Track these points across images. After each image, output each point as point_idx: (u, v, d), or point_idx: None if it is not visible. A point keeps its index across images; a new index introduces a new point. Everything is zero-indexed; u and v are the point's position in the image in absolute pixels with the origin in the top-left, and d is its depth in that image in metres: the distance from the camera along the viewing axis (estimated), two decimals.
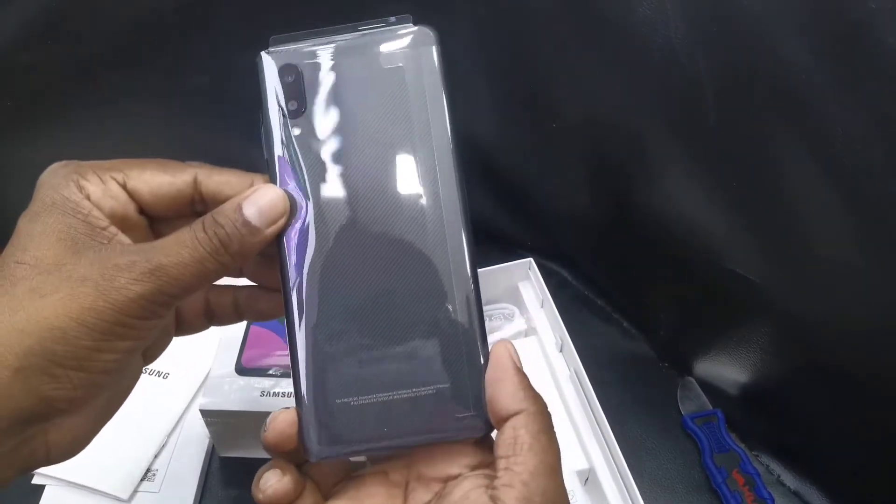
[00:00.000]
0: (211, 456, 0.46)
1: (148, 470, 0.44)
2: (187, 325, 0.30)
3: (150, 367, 0.48)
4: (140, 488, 0.43)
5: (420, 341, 0.26)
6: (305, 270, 0.26)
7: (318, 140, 0.27)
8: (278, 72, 0.27)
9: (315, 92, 0.27)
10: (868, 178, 0.33)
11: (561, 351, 0.46)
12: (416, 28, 0.28)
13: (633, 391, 0.50)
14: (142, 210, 0.27)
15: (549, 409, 0.45)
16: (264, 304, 0.30)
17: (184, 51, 0.46)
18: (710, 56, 0.36)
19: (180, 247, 0.25)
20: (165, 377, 0.48)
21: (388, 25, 0.28)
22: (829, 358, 0.40)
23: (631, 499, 0.39)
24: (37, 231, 0.24)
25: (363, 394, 0.26)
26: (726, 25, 0.35)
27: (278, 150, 0.27)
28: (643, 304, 0.53)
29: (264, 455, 0.46)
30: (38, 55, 0.42)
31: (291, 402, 0.44)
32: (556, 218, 0.54)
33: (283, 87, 0.27)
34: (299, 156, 0.27)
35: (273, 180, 0.27)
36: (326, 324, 0.26)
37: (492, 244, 0.59)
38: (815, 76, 0.33)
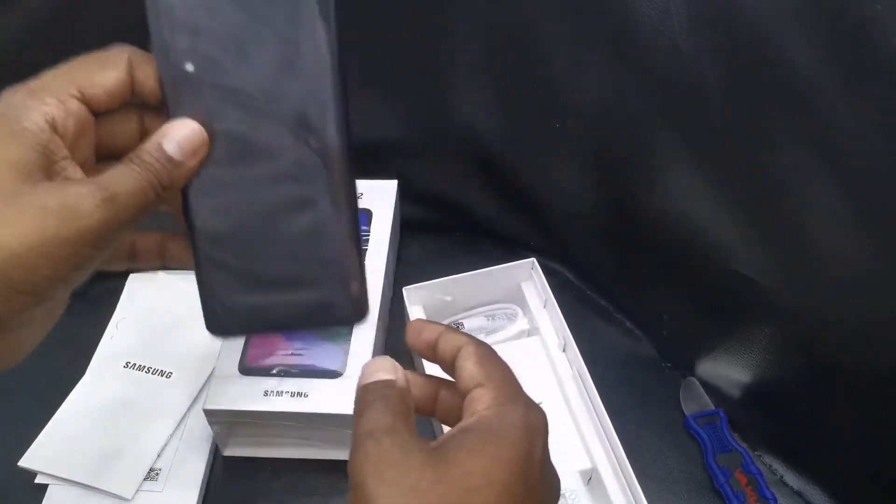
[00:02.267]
0: (214, 455, 0.46)
1: (151, 469, 0.44)
2: (111, 261, 0.32)
3: (153, 366, 0.48)
4: (143, 487, 0.43)
5: (301, 244, 0.30)
6: (198, 184, 0.29)
7: (205, 68, 0.29)
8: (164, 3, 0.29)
9: (198, 23, 0.29)
10: (872, 177, 0.33)
11: (564, 351, 0.46)
12: None
13: (635, 391, 0.50)
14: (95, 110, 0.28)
15: (552, 409, 0.45)
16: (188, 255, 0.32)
17: None
18: (714, 56, 0.36)
19: (125, 178, 0.27)
20: (168, 377, 0.48)
21: None
22: (832, 358, 0.40)
23: (634, 499, 0.39)
24: None
25: (255, 291, 0.30)
26: (730, 25, 0.35)
27: (169, 80, 0.29)
28: (646, 304, 0.53)
29: (268, 454, 0.47)
30: (42, 54, 0.42)
31: (295, 403, 0.44)
32: (558, 218, 0.54)
33: (169, 18, 0.29)
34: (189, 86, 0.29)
35: (170, 107, 0.29)
36: (218, 230, 0.30)
37: (494, 244, 0.59)
38: (819, 76, 0.33)
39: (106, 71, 0.28)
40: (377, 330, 0.45)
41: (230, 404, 0.42)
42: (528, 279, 0.50)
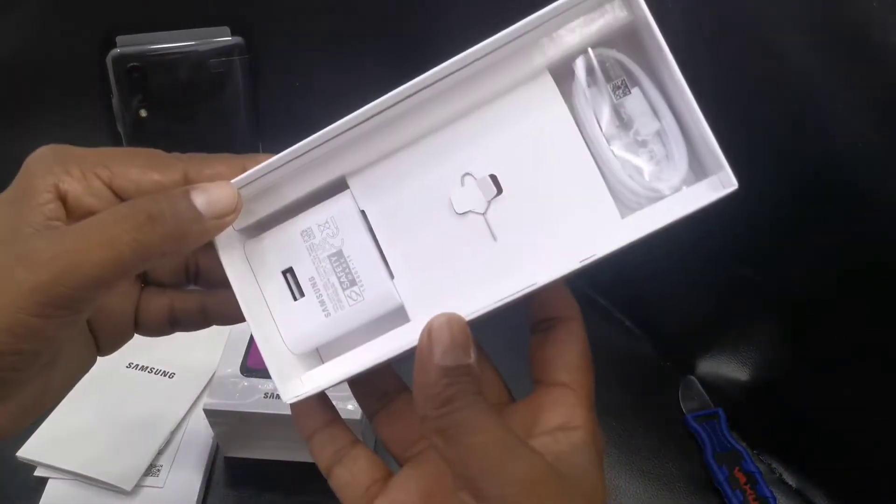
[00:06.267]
0: (215, 455, 0.46)
1: (152, 465, 0.44)
2: (147, 328, 0.30)
3: (156, 367, 0.48)
4: (145, 483, 0.44)
5: None
6: None
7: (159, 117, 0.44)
8: (126, 69, 0.42)
9: (154, 85, 0.43)
10: (869, 175, 0.33)
11: None
12: (230, 39, 0.44)
13: (634, 390, 0.50)
14: None
15: None
16: (234, 309, 0.27)
17: None
18: (711, 53, 0.36)
19: (92, 226, 0.22)
20: (171, 377, 0.48)
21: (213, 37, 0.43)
22: (831, 356, 0.40)
23: None
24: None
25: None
26: (727, 23, 0.35)
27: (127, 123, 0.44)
28: (645, 303, 0.53)
29: (269, 457, 0.47)
30: (45, 51, 0.42)
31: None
32: None
33: (129, 80, 0.42)
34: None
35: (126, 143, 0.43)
36: None
37: None
38: (816, 73, 0.33)
39: (148, 171, 0.25)
40: None
41: (230, 405, 0.42)
42: None
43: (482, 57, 0.25)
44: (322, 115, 0.50)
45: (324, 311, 0.26)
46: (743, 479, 0.45)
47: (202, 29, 0.43)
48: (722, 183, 0.25)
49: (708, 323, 0.48)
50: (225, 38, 0.43)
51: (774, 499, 0.44)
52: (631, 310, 0.54)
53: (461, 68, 0.25)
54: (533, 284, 0.24)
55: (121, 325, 0.29)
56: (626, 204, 0.26)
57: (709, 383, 0.50)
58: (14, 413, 0.25)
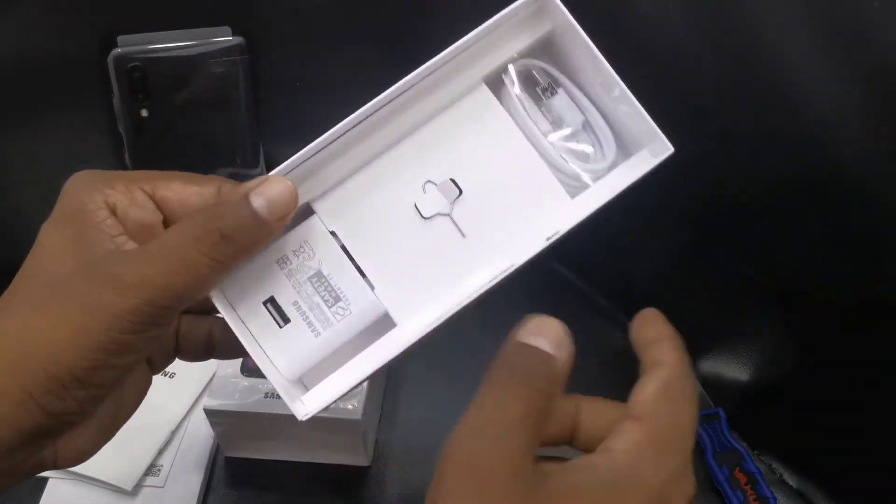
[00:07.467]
0: (216, 455, 0.46)
1: (153, 465, 0.44)
2: (187, 353, 0.31)
3: None
4: (145, 482, 0.44)
5: None
6: None
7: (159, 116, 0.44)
8: (127, 69, 0.42)
9: (155, 85, 0.43)
10: (870, 176, 0.33)
11: None
12: (231, 39, 0.44)
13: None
14: (169, 222, 0.26)
15: None
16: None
17: None
18: (713, 54, 0.36)
19: (169, 250, 0.24)
20: (172, 377, 0.48)
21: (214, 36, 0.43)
22: (831, 356, 0.40)
23: None
24: (54, 245, 0.25)
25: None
26: (729, 23, 0.35)
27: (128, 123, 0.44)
28: (645, 303, 0.53)
29: (270, 456, 0.47)
30: (45, 51, 0.42)
31: None
32: None
33: (130, 80, 0.42)
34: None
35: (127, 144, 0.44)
36: None
37: None
38: (817, 73, 0.33)
39: (187, 184, 0.26)
40: None
41: (230, 405, 0.42)
42: None
43: (423, 79, 0.26)
44: (323, 116, 0.50)
45: (313, 331, 0.27)
46: (743, 480, 0.45)
47: (203, 29, 0.43)
48: (653, 153, 0.27)
49: (708, 323, 0.48)
50: (226, 38, 0.44)
51: (775, 499, 0.44)
52: (631, 310, 0.54)
53: (403, 92, 0.26)
54: (511, 266, 0.27)
55: (166, 349, 0.30)
56: (568, 187, 0.28)
57: (709, 383, 0.50)
58: (95, 433, 0.26)
